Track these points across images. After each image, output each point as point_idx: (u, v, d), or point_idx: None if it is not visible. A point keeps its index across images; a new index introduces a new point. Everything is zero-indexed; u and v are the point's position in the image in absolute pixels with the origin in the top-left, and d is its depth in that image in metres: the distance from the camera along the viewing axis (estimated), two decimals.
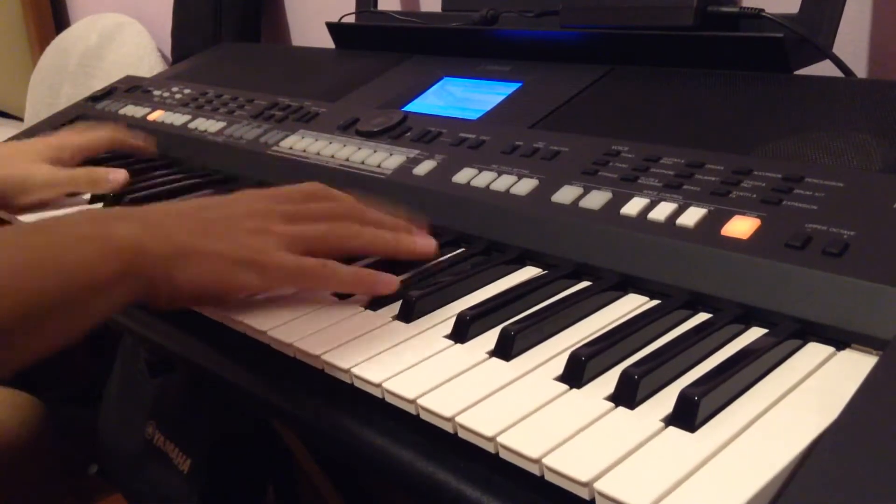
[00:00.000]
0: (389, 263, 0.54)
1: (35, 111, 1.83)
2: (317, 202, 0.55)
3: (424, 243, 0.55)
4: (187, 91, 1.03)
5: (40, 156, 0.79)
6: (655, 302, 0.48)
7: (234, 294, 0.51)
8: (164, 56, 1.61)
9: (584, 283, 0.51)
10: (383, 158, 0.69)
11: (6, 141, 0.94)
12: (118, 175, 0.79)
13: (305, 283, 0.51)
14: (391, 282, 0.51)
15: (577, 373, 0.40)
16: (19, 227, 0.49)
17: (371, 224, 0.54)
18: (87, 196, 0.80)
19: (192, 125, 0.92)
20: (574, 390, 0.40)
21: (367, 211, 0.56)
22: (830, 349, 0.41)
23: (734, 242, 0.47)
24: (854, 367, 0.40)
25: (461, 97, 0.78)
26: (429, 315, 0.49)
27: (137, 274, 0.46)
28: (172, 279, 0.47)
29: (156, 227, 0.48)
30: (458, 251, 0.57)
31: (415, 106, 0.79)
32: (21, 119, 1.98)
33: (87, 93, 1.21)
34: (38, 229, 0.48)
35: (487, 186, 0.60)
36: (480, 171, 0.62)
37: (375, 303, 0.50)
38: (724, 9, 0.69)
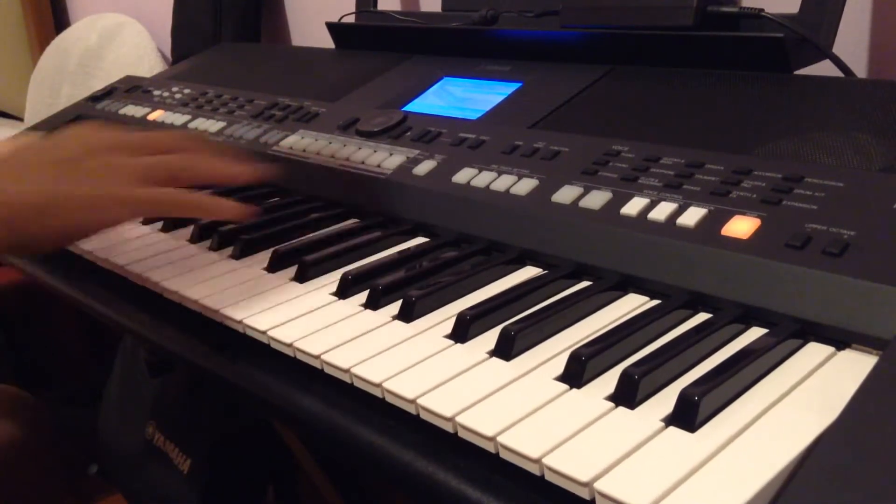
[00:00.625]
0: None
1: (35, 111, 1.83)
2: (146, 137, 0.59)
3: (242, 169, 0.59)
4: (187, 91, 1.03)
5: None
6: (655, 302, 0.48)
7: (104, 229, 0.56)
8: (164, 56, 1.61)
9: (584, 283, 0.51)
10: (383, 158, 0.69)
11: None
12: None
13: (161, 211, 0.59)
14: (234, 207, 0.56)
15: (577, 373, 0.40)
16: None
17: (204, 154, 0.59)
18: None
19: (192, 125, 0.92)
20: (574, 390, 0.40)
21: (195, 142, 0.61)
22: (830, 349, 0.41)
23: (734, 242, 0.47)
24: (854, 367, 0.40)
25: (461, 97, 0.78)
26: (429, 315, 0.49)
27: (7, 226, 0.51)
28: (44, 227, 0.51)
29: (13, 179, 0.52)
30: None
31: (415, 106, 0.79)
32: (21, 119, 1.98)
33: (87, 93, 1.21)
34: None
35: (487, 186, 0.60)
36: (480, 171, 0.62)
37: (374, 302, 0.50)
38: (724, 9, 0.69)
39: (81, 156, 0.54)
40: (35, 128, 1.13)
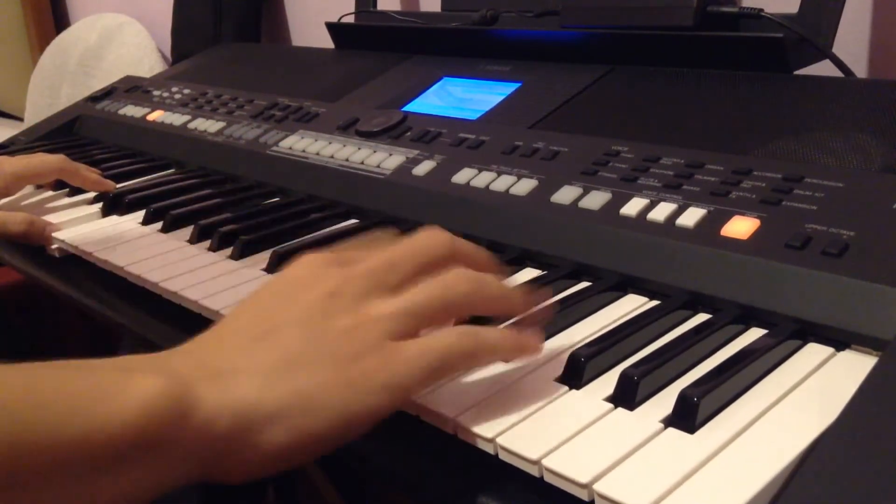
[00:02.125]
0: None
1: (35, 111, 1.84)
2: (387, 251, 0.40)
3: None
4: (187, 91, 1.03)
5: None
6: (655, 302, 0.48)
7: (356, 434, 0.36)
8: (164, 56, 1.61)
9: (584, 284, 0.51)
10: (383, 158, 0.69)
11: None
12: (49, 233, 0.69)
13: (449, 371, 0.38)
14: (538, 341, 0.40)
15: (576, 373, 0.40)
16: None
17: (478, 267, 0.41)
18: (91, 195, 0.80)
19: (191, 125, 0.92)
20: (573, 391, 0.40)
21: (457, 244, 0.42)
22: (830, 349, 0.41)
23: (734, 243, 0.47)
24: (854, 367, 0.39)
25: (461, 97, 0.78)
26: None
27: (182, 449, 0.32)
28: (255, 445, 0.33)
29: (206, 372, 0.34)
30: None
31: (414, 106, 0.79)
32: (21, 119, 1.98)
33: (87, 93, 1.21)
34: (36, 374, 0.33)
35: (487, 187, 0.60)
36: (480, 172, 0.62)
37: None
38: (724, 9, 0.69)
39: (319, 315, 0.36)
40: (35, 128, 1.13)
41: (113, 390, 0.32)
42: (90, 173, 0.81)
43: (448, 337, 0.37)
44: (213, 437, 0.33)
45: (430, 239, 0.41)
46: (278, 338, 0.36)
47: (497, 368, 0.42)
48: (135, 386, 0.32)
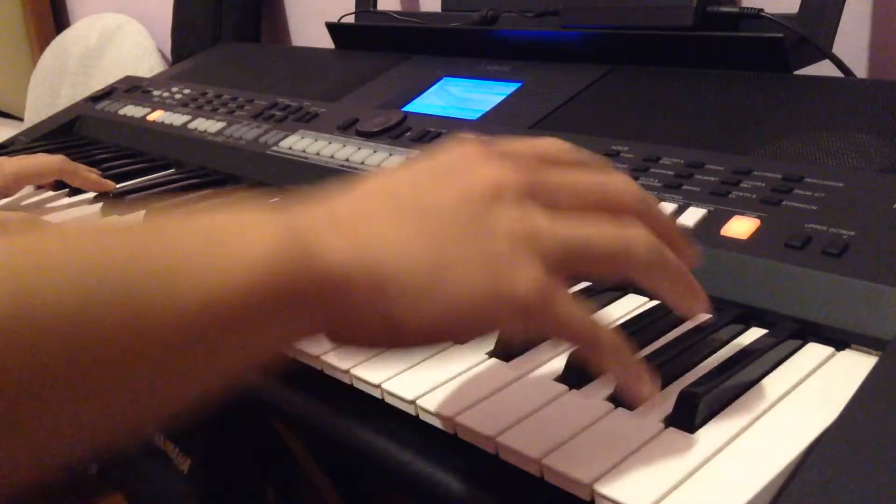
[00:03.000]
0: None
1: (35, 111, 1.83)
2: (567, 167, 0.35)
3: (701, 301, 0.37)
4: (187, 91, 1.03)
5: None
6: (655, 302, 0.48)
7: (479, 333, 0.33)
8: (164, 56, 1.61)
9: (585, 284, 0.51)
10: (383, 158, 0.69)
11: None
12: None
13: (583, 348, 0.33)
14: (654, 388, 0.34)
15: (576, 373, 0.40)
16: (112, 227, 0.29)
17: (661, 220, 0.36)
18: (92, 195, 0.80)
19: (191, 125, 0.92)
20: (574, 391, 0.40)
21: (650, 201, 0.36)
22: (830, 349, 0.41)
23: (734, 242, 0.47)
24: (854, 367, 0.39)
25: (461, 97, 0.78)
26: None
27: (313, 303, 0.29)
28: (388, 313, 0.30)
29: (339, 231, 0.30)
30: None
31: (415, 106, 0.79)
32: (21, 119, 1.98)
33: (87, 93, 1.21)
34: (151, 229, 0.30)
35: None
36: None
37: None
38: (724, 9, 0.69)
39: (487, 200, 0.32)
40: (35, 128, 1.13)
41: (226, 250, 0.28)
42: (90, 174, 0.81)
43: (605, 330, 0.33)
44: (342, 292, 0.29)
45: (627, 185, 0.35)
46: (428, 216, 0.31)
47: (498, 369, 0.42)
48: (252, 239, 0.28)
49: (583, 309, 0.32)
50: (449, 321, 0.31)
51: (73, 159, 0.82)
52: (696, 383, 0.37)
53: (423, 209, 0.32)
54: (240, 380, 0.30)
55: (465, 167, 0.33)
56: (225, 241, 0.28)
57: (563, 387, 0.40)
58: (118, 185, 0.82)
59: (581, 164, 0.35)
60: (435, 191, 0.32)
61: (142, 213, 0.72)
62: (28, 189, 0.84)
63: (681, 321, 0.46)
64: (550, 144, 0.35)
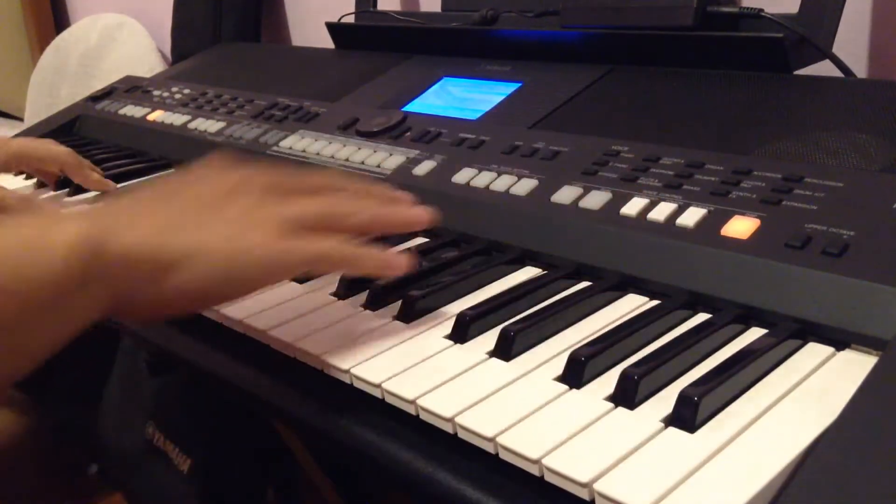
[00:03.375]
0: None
1: (35, 111, 1.83)
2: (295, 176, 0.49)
3: (419, 213, 0.49)
4: (187, 91, 1.03)
5: None
6: (655, 302, 0.48)
7: (237, 296, 0.44)
8: (164, 56, 1.61)
9: (584, 283, 0.51)
10: (383, 158, 0.69)
11: None
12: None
13: (319, 268, 0.46)
14: (402, 259, 0.46)
15: (576, 373, 0.40)
16: None
17: (361, 196, 0.49)
18: (92, 194, 0.80)
19: (191, 125, 0.92)
20: (574, 391, 0.40)
21: (352, 182, 0.50)
22: (830, 349, 0.41)
23: (734, 242, 0.47)
24: (854, 367, 0.39)
25: (461, 97, 0.78)
26: (428, 315, 0.49)
27: (100, 284, 0.38)
28: (155, 286, 0.39)
29: (121, 223, 0.40)
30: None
31: (415, 106, 0.79)
32: (21, 119, 1.98)
33: (87, 93, 1.21)
34: None
35: (487, 186, 0.60)
36: (480, 172, 0.62)
37: (374, 302, 0.50)
38: (724, 9, 0.69)
39: (219, 200, 0.43)
40: (35, 128, 1.13)
41: (40, 241, 0.37)
42: (93, 172, 0.81)
43: (326, 241, 0.44)
44: (128, 273, 0.38)
45: (325, 175, 0.49)
46: (184, 204, 0.43)
47: (497, 369, 0.42)
48: (59, 232, 0.37)
49: (331, 243, 0.44)
50: (215, 281, 0.41)
51: None
52: (697, 383, 0.37)
53: (188, 202, 0.43)
54: (56, 350, 0.38)
55: (218, 175, 0.45)
56: (37, 240, 0.37)
57: (563, 387, 0.40)
58: (118, 185, 0.82)
59: (339, 190, 0.48)
60: (193, 189, 0.44)
61: None
62: (29, 189, 0.84)
63: (681, 321, 0.46)
64: (316, 178, 0.48)
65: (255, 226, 0.42)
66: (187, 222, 0.41)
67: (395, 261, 0.46)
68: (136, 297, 0.39)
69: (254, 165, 0.48)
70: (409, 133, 0.72)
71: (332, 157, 0.73)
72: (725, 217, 0.49)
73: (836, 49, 0.66)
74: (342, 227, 0.46)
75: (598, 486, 0.32)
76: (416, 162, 0.67)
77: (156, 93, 1.07)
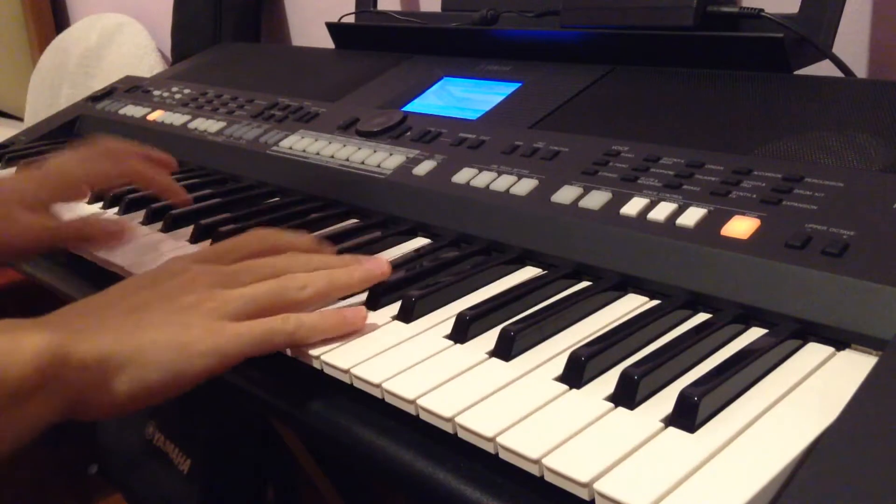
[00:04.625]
0: None
1: (35, 111, 1.83)
2: (252, 256, 0.51)
3: (374, 266, 0.51)
4: (187, 91, 1.03)
5: (19, 200, 0.60)
6: (655, 302, 0.48)
7: (188, 387, 0.44)
8: (164, 56, 1.61)
9: (584, 283, 0.51)
10: (383, 158, 0.69)
11: None
12: (119, 228, 0.63)
13: (271, 347, 0.45)
14: (359, 314, 0.47)
15: (576, 373, 0.40)
16: None
17: (318, 267, 0.50)
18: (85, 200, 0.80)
19: (191, 125, 0.92)
20: (574, 390, 0.40)
21: (312, 257, 0.52)
22: (830, 349, 0.41)
23: (734, 242, 0.47)
24: (854, 367, 0.39)
25: (461, 97, 0.78)
26: (428, 315, 0.49)
27: (58, 388, 0.39)
28: (108, 388, 0.41)
29: (77, 330, 0.42)
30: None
31: (415, 106, 0.79)
32: (21, 119, 1.98)
33: (87, 93, 1.21)
34: None
35: (487, 186, 0.60)
36: (480, 171, 0.62)
37: (374, 302, 0.50)
38: (724, 9, 0.69)
39: (168, 299, 0.45)
40: (35, 128, 1.13)
41: (9, 347, 0.38)
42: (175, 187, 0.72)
43: (272, 320, 0.45)
44: (84, 377, 0.40)
45: (290, 260, 0.51)
46: (133, 307, 0.45)
47: (497, 369, 0.42)
48: (27, 342, 0.38)
49: (281, 316, 0.45)
50: (163, 380, 0.42)
51: None
52: (697, 383, 0.37)
53: (137, 306, 0.45)
54: (7, 453, 0.38)
55: (165, 274, 0.48)
56: (6, 346, 0.38)
57: (563, 387, 0.40)
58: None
59: (271, 248, 0.52)
60: (144, 290, 0.47)
61: (141, 213, 0.72)
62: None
63: (681, 321, 0.46)
64: (250, 237, 0.53)
65: (202, 317, 0.44)
66: (134, 324, 0.43)
67: (352, 316, 0.47)
68: (90, 400, 0.41)
69: (208, 254, 0.51)
70: (409, 133, 0.72)
71: (332, 156, 0.73)
72: (725, 217, 0.49)
73: (837, 49, 0.66)
74: (298, 301, 0.47)
75: (598, 486, 0.32)
76: (416, 162, 0.67)
77: (156, 93, 1.07)
